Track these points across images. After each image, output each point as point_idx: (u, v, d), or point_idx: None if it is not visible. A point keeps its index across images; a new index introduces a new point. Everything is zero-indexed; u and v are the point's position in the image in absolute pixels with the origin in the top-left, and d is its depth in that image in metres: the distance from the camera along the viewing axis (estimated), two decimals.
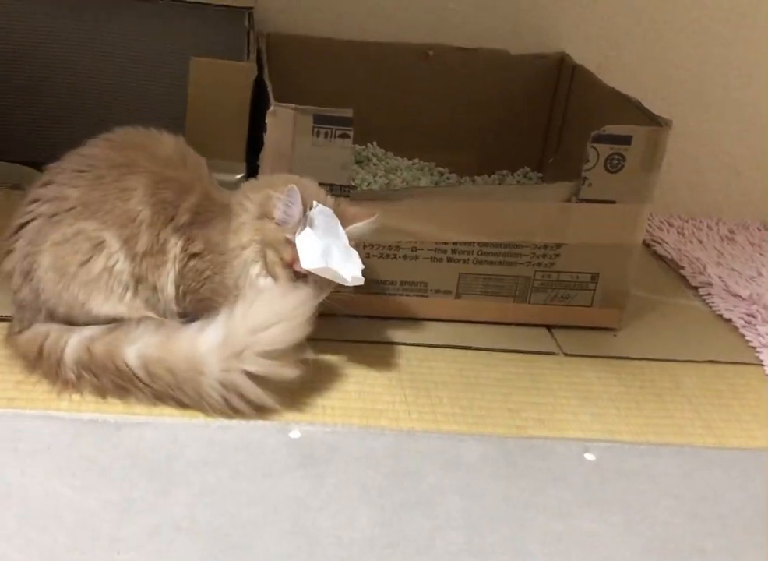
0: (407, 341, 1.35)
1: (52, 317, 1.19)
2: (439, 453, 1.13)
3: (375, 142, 1.73)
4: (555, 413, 1.23)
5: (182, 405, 1.14)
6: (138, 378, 1.13)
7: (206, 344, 1.13)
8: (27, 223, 1.19)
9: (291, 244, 1.16)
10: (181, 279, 1.21)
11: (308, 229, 1.15)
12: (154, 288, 1.20)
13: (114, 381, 1.14)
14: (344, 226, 1.18)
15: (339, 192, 1.29)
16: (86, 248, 1.16)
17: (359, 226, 1.19)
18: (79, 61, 1.53)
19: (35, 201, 1.20)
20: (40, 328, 1.19)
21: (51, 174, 1.21)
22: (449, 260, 1.36)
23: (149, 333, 1.16)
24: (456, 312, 1.40)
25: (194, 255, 1.21)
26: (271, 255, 1.17)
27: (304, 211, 1.15)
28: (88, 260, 1.16)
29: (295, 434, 1.13)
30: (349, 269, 1.16)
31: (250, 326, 1.12)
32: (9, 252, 1.21)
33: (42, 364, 1.16)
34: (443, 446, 1.14)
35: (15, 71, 1.53)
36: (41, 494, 0.98)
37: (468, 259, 1.36)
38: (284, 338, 1.12)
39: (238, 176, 1.38)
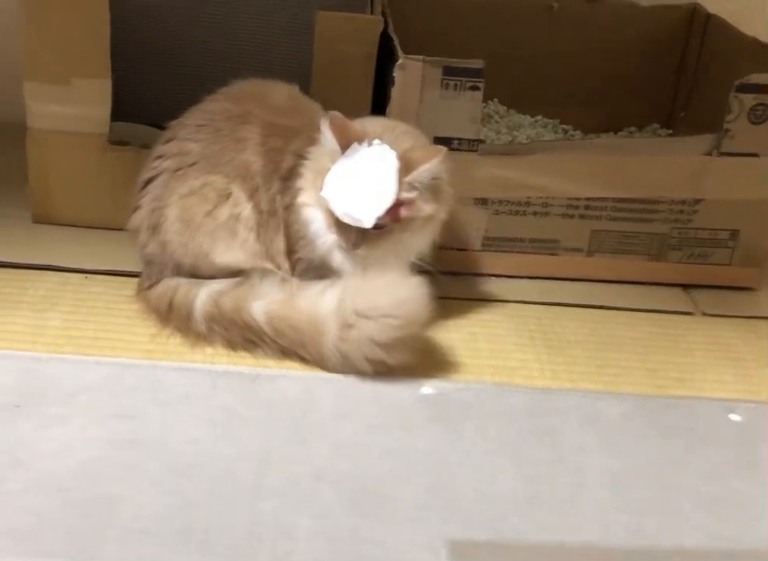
0: (537, 300, 1.31)
1: (179, 271, 1.20)
2: (577, 411, 1.09)
3: (496, 100, 1.68)
4: (696, 373, 1.19)
5: (306, 362, 1.12)
6: (264, 333, 1.13)
7: (325, 308, 1.11)
8: (153, 178, 1.20)
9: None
10: (285, 236, 1.20)
11: (344, 159, 1.09)
12: (271, 241, 1.19)
13: (242, 335, 1.14)
14: (409, 171, 1.09)
15: (468, 146, 1.26)
16: (212, 197, 1.16)
17: (421, 170, 1.09)
18: (211, 23, 1.55)
19: (159, 157, 1.21)
20: (169, 282, 1.19)
21: (173, 131, 1.22)
22: (582, 217, 1.32)
23: (274, 289, 1.15)
24: (587, 271, 1.35)
25: (286, 208, 1.19)
26: (319, 183, 1.12)
27: (347, 143, 1.09)
28: (214, 209, 1.16)
29: (427, 390, 1.11)
30: (348, 208, 1.08)
31: (358, 308, 1.08)
32: (137, 208, 1.22)
33: (173, 317, 1.17)
34: (581, 404, 1.10)
35: (151, 36, 1.56)
36: (182, 441, 0.98)
37: (601, 216, 1.32)
38: (386, 333, 1.07)
39: None
